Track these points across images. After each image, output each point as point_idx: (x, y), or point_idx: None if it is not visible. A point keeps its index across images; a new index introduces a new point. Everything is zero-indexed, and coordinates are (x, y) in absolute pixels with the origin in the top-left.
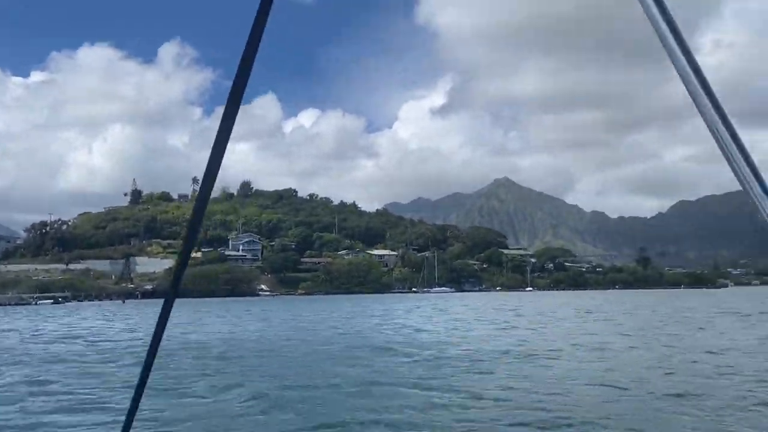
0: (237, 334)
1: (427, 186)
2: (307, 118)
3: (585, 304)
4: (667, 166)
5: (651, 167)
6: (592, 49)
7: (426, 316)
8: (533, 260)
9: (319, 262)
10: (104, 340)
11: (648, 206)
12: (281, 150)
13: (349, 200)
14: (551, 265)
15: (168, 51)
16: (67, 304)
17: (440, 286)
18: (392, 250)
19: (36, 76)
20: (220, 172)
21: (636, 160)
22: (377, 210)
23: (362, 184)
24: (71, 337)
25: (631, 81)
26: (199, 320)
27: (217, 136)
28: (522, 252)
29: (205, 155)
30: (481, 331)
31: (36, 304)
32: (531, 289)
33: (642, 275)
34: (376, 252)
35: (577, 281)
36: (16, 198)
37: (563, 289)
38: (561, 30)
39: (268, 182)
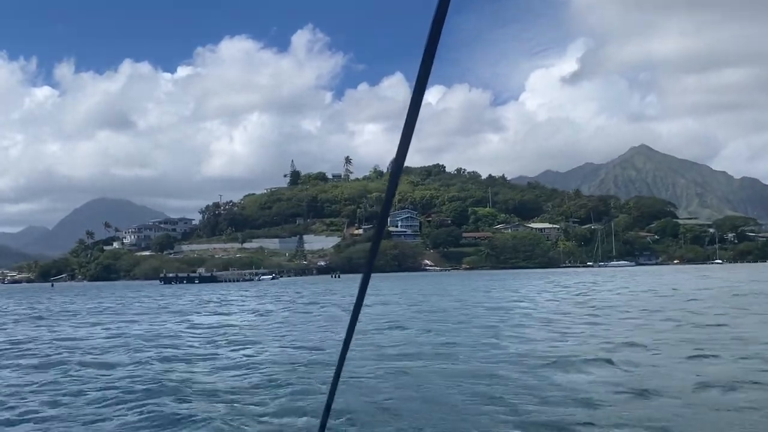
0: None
1: (555, 158)
2: (433, 95)
3: None
4: None
5: None
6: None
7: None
8: (711, 230)
9: (480, 237)
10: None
11: None
12: None
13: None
14: (732, 235)
15: (301, 38)
16: (281, 279)
17: (617, 260)
18: (550, 223)
19: (182, 71)
20: (353, 153)
21: None
22: (528, 183)
23: (488, 159)
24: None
25: None
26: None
27: (406, 117)
28: (699, 221)
29: (336, 138)
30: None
31: (259, 279)
32: (720, 261)
33: None
34: (535, 225)
35: (766, 252)
36: (167, 185)
37: (752, 262)
38: None
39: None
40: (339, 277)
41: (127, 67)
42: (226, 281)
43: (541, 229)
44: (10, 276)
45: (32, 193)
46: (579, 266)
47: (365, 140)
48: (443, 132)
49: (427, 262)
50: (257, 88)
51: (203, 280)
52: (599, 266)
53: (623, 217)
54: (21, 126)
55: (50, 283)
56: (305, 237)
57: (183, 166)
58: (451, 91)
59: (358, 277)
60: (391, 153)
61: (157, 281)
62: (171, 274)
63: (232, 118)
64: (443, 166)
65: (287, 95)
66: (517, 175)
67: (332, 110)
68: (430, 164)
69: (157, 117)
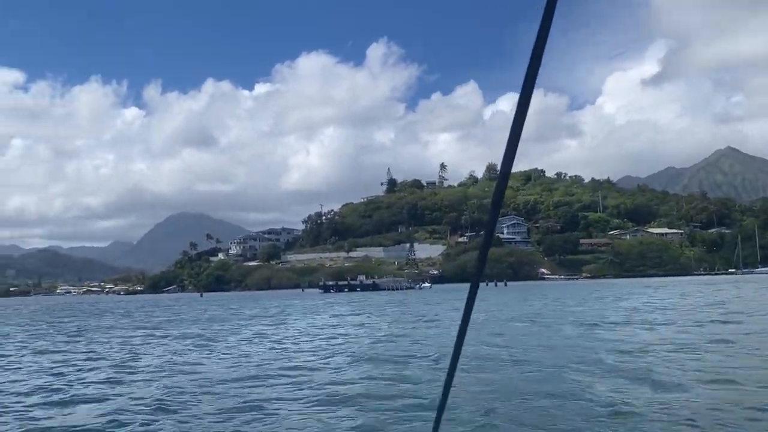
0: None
1: (635, 162)
2: (506, 102)
3: None
4: None
5: None
6: None
7: None
8: None
9: (598, 244)
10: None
11: None
12: (480, 137)
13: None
14: None
15: (376, 51)
16: (423, 286)
17: (762, 266)
18: (669, 227)
19: (260, 88)
20: (426, 164)
21: None
22: (638, 185)
23: (564, 165)
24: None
25: None
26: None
27: (512, 124)
28: None
29: (409, 149)
30: None
31: (420, 288)
32: None
33: None
34: (655, 230)
35: None
36: (245, 199)
37: None
38: None
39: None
40: (497, 284)
41: (209, 86)
42: (388, 289)
43: (662, 235)
44: (108, 288)
45: (120, 209)
46: (716, 273)
47: (439, 150)
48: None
49: (543, 270)
50: (333, 102)
51: (365, 288)
52: (742, 273)
53: (750, 220)
54: (111, 146)
55: (199, 294)
56: (408, 245)
57: (261, 181)
58: None
59: (517, 286)
60: (465, 161)
61: (267, 289)
62: (330, 282)
63: (309, 132)
64: (543, 171)
65: (362, 108)
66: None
67: (405, 121)
68: (530, 169)
69: (237, 134)
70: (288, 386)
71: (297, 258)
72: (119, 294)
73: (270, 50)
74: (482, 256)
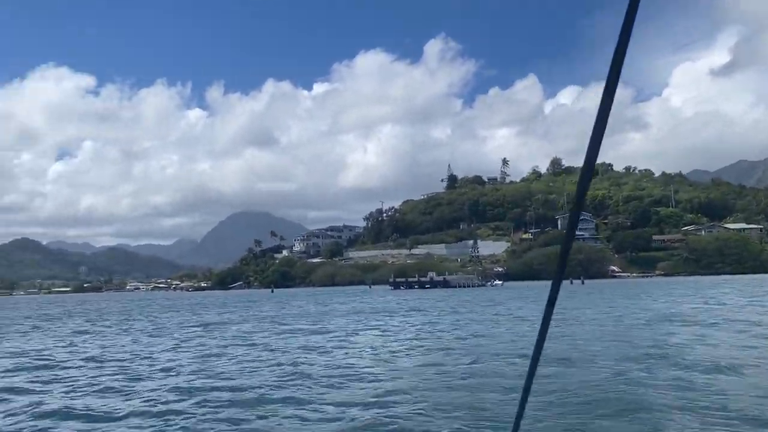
0: None
1: (704, 155)
2: (568, 95)
3: None
4: None
5: None
6: None
7: None
8: None
9: (671, 240)
10: None
11: None
12: (541, 132)
13: None
14: None
15: (433, 47)
16: (495, 283)
17: None
18: (747, 223)
19: (319, 88)
20: (483, 159)
21: None
22: (712, 179)
23: (629, 158)
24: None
25: None
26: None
27: (596, 119)
28: None
29: (467, 145)
30: None
31: (492, 285)
32: None
33: None
34: (732, 226)
35: None
36: (305, 197)
37: None
38: None
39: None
40: (572, 282)
41: (269, 86)
42: (458, 286)
43: (739, 230)
44: (175, 284)
45: (185, 208)
46: None
47: (497, 145)
48: (580, 133)
49: (614, 267)
50: (390, 100)
51: (434, 285)
52: None
53: None
54: (176, 147)
55: (270, 289)
56: (470, 242)
57: (320, 179)
58: (587, 90)
59: (596, 284)
60: (525, 156)
61: (331, 286)
62: (400, 279)
63: (367, 131)
64: (610, 165)
65: (419, 105)
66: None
67: (463, 117)
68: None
69: (297, 133)
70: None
71: (359, 255)
72: (187, 290)
73: (328, 50)
74: (564, 252)
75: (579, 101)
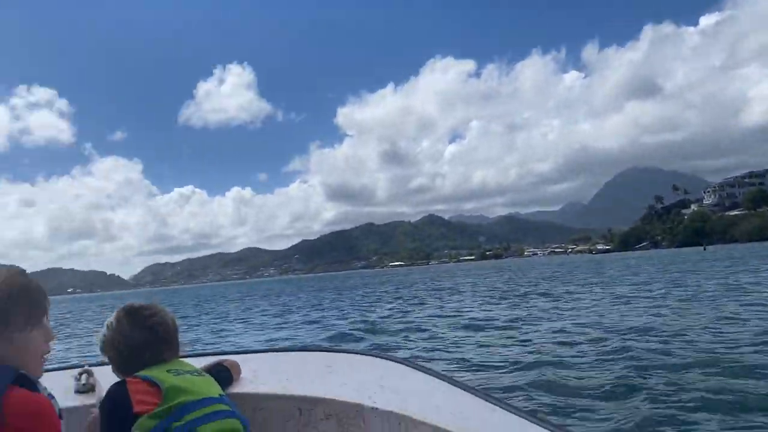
0: None
1: None
2: None
3: None
4: None
5: None
6: None
7: None
8: None
9: None
10: None
11: None
12: None
13: None
14: None
15: None
16: None
17: None
18: None
19: (706, 20)
20: None
21: None
22: None
23: None
24: None
25: None
26: None
27: None
28: None
29: None
30: None
31: None
32: None
33: None
34: None
35: None
36: (698, 146)
37: None
38: None
39: None
40: None
41: (647, 32)
42: None
43: None
44: (570, 248)
45: (569, 172)
46: None
47: None
48: None
49: None
50: None
51: None
52: None
53: None
54: (556, 112)
55: (702, 247)
56: None
57: (715, 123)
58: None
59: None
60: None
61: (760, 241)
62: None
63: None
64: None
65: None
66: None
67: None
68: None
69: (683, 76)
70: None
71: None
72: (585, 253)
73: None
74: None
75: None
